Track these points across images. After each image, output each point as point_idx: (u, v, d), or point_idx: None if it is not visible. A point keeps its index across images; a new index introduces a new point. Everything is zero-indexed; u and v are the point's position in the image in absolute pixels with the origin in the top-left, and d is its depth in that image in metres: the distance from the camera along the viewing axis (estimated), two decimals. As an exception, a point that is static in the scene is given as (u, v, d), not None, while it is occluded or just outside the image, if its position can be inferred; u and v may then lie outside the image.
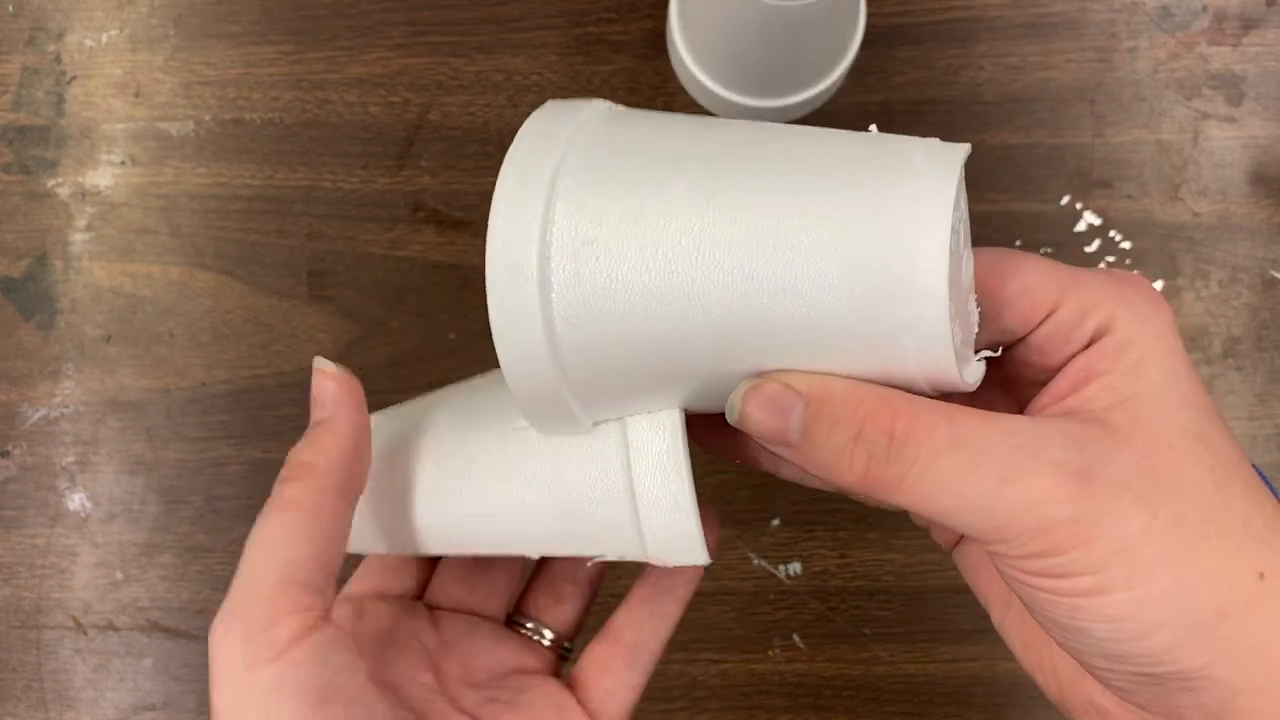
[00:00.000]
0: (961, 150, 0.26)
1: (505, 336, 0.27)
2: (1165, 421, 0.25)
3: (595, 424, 0.30)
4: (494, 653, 0.34)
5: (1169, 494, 0.24)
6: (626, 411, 0.29)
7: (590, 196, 0.27)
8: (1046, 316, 0.27)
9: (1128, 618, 0.24)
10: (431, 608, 0.35)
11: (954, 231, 0.25)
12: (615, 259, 0.26)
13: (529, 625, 0.35)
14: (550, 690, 0.33)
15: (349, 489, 0.29)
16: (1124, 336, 0.26)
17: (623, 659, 0.33)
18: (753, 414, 0.26)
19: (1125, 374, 0.26)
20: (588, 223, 0.27)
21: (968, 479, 0.24)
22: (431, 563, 0.36)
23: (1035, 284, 0.27)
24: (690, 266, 0.26)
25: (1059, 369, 0.27)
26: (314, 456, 0.29)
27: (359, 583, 0.35)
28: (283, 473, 0.29)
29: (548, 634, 0.35)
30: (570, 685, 0.34)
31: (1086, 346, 0.26)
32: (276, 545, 0.27)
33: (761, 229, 0.26)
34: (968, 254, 0.27)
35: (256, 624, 0.26)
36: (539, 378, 0.28)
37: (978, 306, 0.27)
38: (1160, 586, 0.24)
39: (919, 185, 0.25)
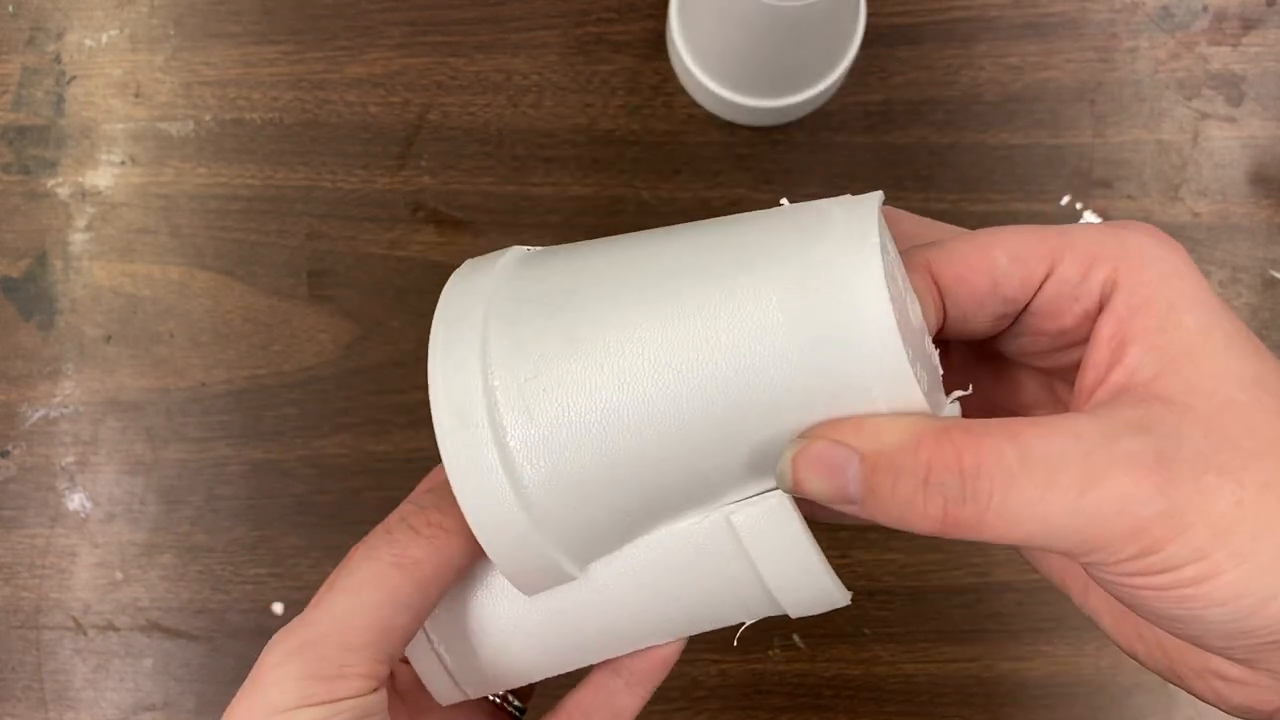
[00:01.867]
0: (875, 197, 0.26)
1: (466, 487, 0.26)
2: (1220, 376, 0.24)
3: (584, 569, 0.28)
4: (451, 714, 0.33)
5: (1248, 458, 0.23)
6: (617, 546, 0.28)
7: (523, 334, 0.27)
8: (1046, 278, 0.26)
9: (1240, 596, 0.23)
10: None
11: (890, 277, 0.25)
12: (562, 389, 0.26)
13: None
14: None
15: (465, 569, 0.28)
16: (1144, 288, 0.24)
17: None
18: (807, 478, 0.24)
19: (1161, 329, 0.24)
20: (524, 360, 0.26)
21: (1048, 498, 0.23)
22: None
23: (1025, 248, 0.26)
24: (639, 379, 0.26)
25: (1076, 330, 0.26)
26: (454, 524, 0.28)
27: None
28: (413, 519, 0.28)
29: (499, 693, 0.34)
30: None
31: (1100, 306, 0.25)
32: (379, 604, 0.26)
33: (699, 325, 0.25)
34: (911, 297, 0.27)
35: (323, 670, 0.26)
36: (514, 529, 0.26)
37: (936, 349, 0.27)
38: (1265, 557, 0.23)
39: (841, 241, 0.25)
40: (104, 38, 0.56)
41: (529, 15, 0.55)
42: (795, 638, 0.53)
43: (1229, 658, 0.25)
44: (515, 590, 0.29)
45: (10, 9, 0.57)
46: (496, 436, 0.26)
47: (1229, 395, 0.23)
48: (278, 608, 0.54)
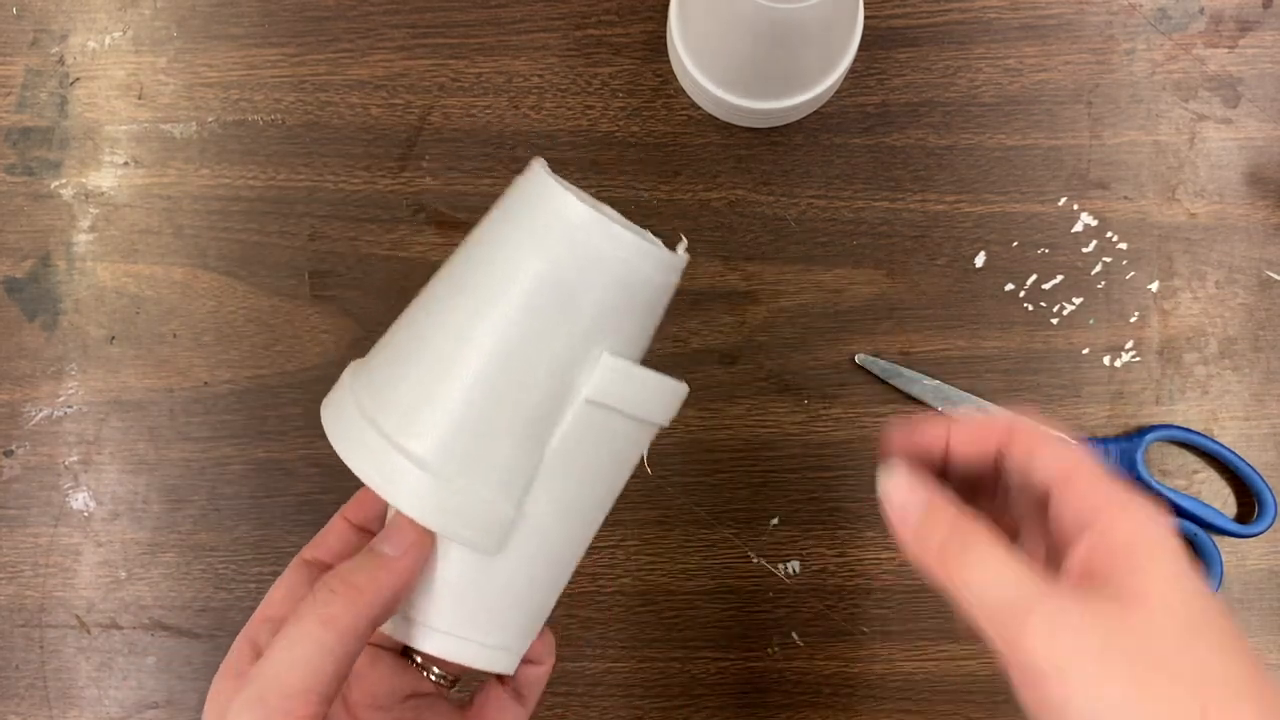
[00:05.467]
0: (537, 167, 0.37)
1: (392, 490, 0.33)
2: (1149, 585, 0.29)
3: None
4: (393, 680, 0.38)
5: (1132, 630, 0.28)
6: (526, 474, 0.34)
7: (375, 379, 0.35)
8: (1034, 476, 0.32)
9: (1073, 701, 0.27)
10: None
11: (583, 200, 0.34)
12: (409, 383, 0.34)
13: (418, 660, 0.39)
14: (445, 711, 0.38)
15: (379, 620, 0.33)
16: (1120, 537, 0.30)
17: (509, 692, 0.38)
18: (886, 499, 0.33)
19: (1119, 563, 0.29)
20: (381, 389, 0.35)
21: (980, 570, 0.30)
22: None
23: (1056, 461, 0.32)
24: (454, 343, 0.34)
25: (1064, 544, 0.32)
26: (366, 584, 0.32)
27: None
28: (332, 583, 0.32)
29: (435, 670, 0.39)
30: (463, 711, 0.38)
31: (1080, 538, 0.31)
32: (308, 656, 0.31)
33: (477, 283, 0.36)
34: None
35: (271, 716, 0.30)
36: (433, 498, 0.33)
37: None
38: (1114, 697, 0.27)
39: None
40: (107, 40, 0.57)
41: (530, 18, 0.56)
42: (794, 635, 0.53)
43: None
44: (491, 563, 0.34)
45: (14, 11, 0.57)
46: (390, 443, 0.33)
47: (1145, 596, 0.28)
48: (280, 606, 0.54)
